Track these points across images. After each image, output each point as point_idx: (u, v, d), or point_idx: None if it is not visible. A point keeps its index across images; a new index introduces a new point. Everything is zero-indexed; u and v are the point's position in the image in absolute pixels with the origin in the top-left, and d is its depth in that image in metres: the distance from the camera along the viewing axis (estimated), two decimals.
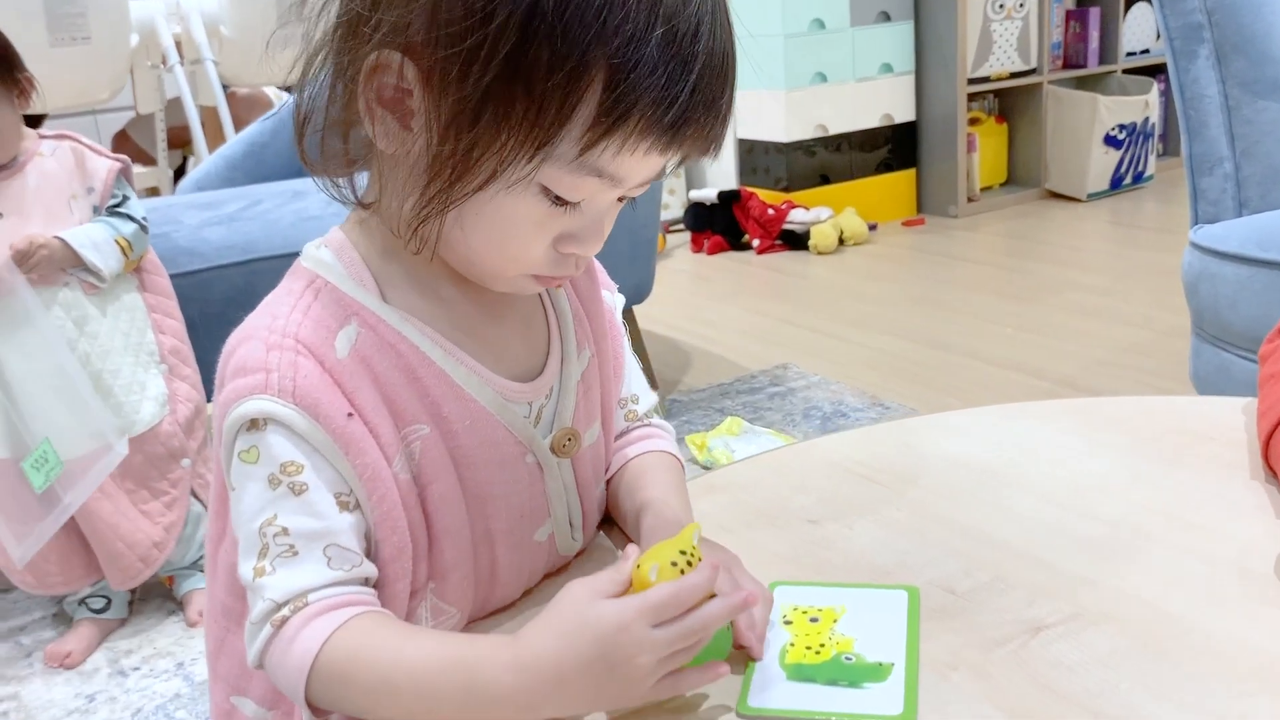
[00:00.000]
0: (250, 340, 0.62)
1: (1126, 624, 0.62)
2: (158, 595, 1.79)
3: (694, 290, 3.40)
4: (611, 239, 2.41)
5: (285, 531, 0.60)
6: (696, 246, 3.73)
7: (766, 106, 3.72)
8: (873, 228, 3.74)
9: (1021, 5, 3.83)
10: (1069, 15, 4.03)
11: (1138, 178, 3.98)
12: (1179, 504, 0.75)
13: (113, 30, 3.03)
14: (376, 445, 0.61)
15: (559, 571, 0.75)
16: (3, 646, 1.69)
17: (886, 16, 3.74)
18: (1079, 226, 3.68)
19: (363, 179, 0.67)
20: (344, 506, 0.61)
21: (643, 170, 0.60)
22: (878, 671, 0.60)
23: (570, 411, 0.70)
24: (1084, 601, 0.65)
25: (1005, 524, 0.74)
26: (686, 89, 0.57)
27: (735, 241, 3.70)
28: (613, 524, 0.79)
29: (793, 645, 0.63)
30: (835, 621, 0.65)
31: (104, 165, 1.63)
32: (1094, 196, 3.90)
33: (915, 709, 0.57)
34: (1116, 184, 3.95)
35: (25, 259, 1.49)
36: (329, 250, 0.65)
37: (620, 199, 0.63)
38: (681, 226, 3.84)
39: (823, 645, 0.63)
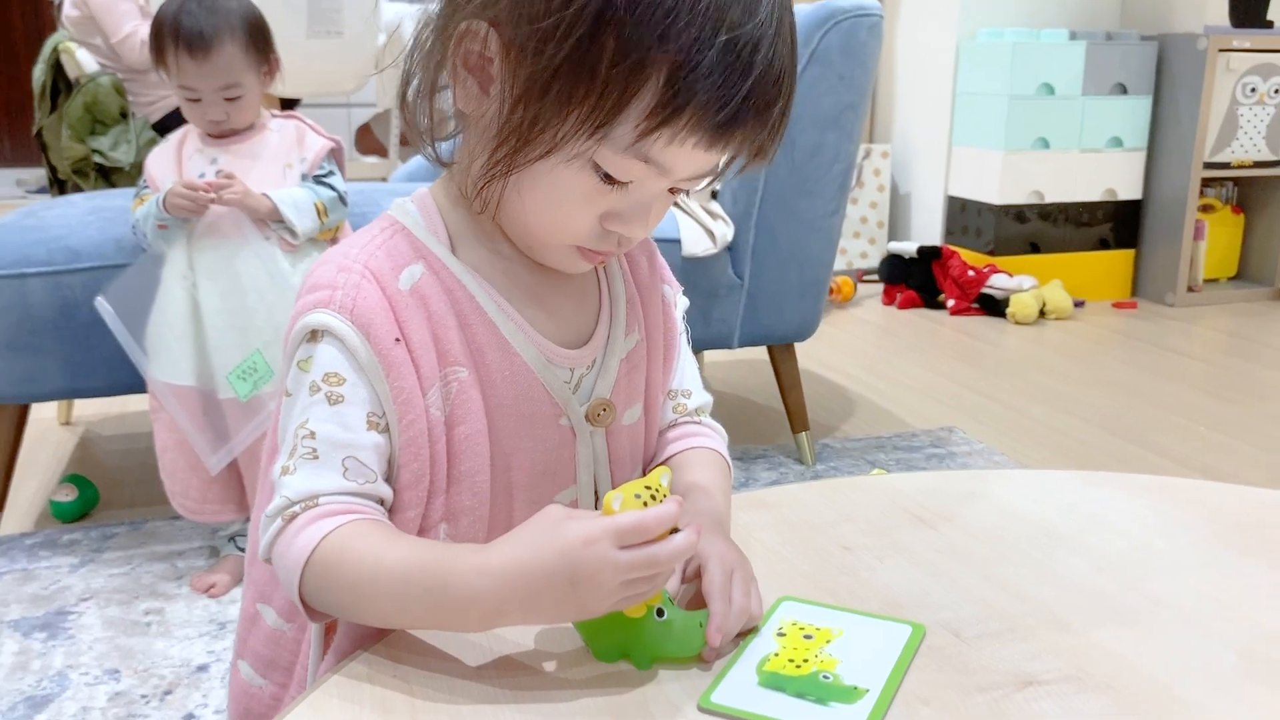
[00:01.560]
0: (325, 264, 0.68)
1: (1123, 695, 0.59)
2: None
3: (875, 341, 3.35)
4: (781, 273, 2.38)
5: (312, 435, 0.65)
6: (888, 299, 3.67)
7: (982, 166, 3.63)
8: (1079, 304, 3.58)
9: (1277, 92, 3.59)
10: None
11: None
12: (1236, 593, 0.70)
13: (364, 28, 3.28)
14: (415, 374, 0.66)
15: None
16: (161, 565, 1.85)
17: (1123, 89, 3.58)
18: None
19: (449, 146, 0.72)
20: (373, 427, 0.66)
21: (690, 165, 0.63)
22: (849, 694, 0.59)
23: (610, 385, 0.73)
24: (1089, 667, 0.62)
25: (1041, 582, 0.72)
26: (739, 95, 0.60)
27: (929, 299, 3.61)
28: None
29: (776, 655, 0.63)
30: (828, 642, 0.65)
31: (318, 142, 1.79)
32: None
33: None
34: None
35: (220, 187, 1.64)
36: (413, 204, 0.72)
37: (672, 190, 0.66)
38: (876, 277, 3.79)
39: (805, 660, 0.63)
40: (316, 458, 0.65)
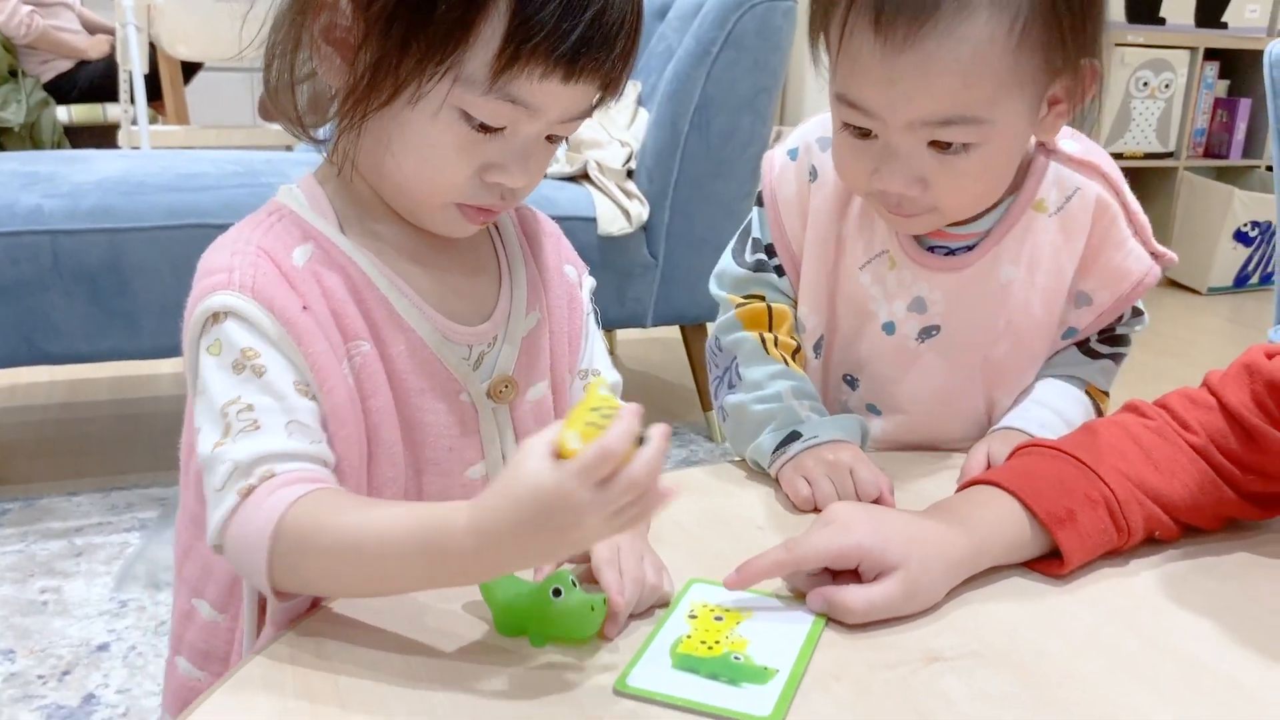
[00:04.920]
0: (217, 250, 0.67)
1: (1024, 670, 0.62)
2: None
3: None
4: (696, 254, 2.40)
5: (250, 408, 0.63)
6: None
7: None
8: None
9: (1167, 87, 3.73)
10: (1217, 103, 3.90)
11: (1266, 279, 3.82)
12: (1132, 573, 0.74)
13: None
14: (326, 342, 0.66)
15: None
16: (57, 543, 1.80)
17: None
18: (1193, 319, 3.56)
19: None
20: (302, 394, 0.65)
21: (556, 102, 0.65)
22: (761, 674, 0.61)
23: (512, 363, 0.74)
24: (992, 643, 0.65)
25: None
26: (583, 22, 0.62)
27: None
28: None
29: (689, 637, 0.65)
30: (739, 623, 0.66)
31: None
32: (1215, 291, 3.77)
33: (783, 715, 0.58)
34: (1241, 282, 3.80)
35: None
36: (297, 188, 0.71)
37: (551, 139, 0.68)
38: None
39: (717, 642, 0.64)
40: (258, 428, 0.63)
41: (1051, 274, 0.89)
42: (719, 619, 0.67)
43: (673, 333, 2.36)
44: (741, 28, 2.04)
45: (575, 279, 0.81)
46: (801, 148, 0.92)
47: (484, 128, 0.65)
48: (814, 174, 0.91)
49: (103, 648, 1.52)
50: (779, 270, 0.94)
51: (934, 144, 0.75)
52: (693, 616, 0.67)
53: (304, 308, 0.65)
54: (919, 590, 0.67)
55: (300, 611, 0.66)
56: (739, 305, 0.94)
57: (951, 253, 0.88)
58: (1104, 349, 0.94)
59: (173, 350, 1.92)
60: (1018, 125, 0.77)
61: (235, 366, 0.64)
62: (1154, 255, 0.91)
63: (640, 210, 2.07)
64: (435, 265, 0.72)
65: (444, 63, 0.62)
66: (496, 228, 0.77)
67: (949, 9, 0.70)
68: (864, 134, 0.77)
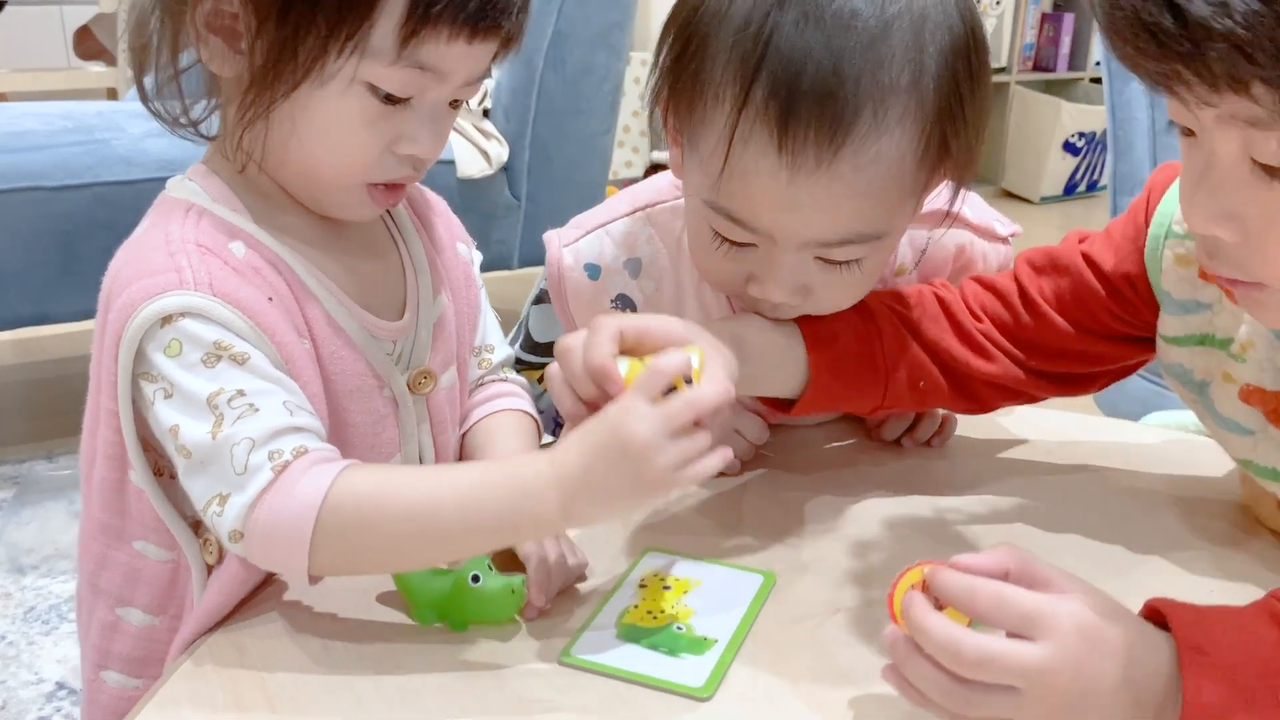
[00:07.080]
0: (146, 251, 0.63)
1: None
2: (64, 498, 1.81)
3: None
4: (558, 193, 2.38)
5: (241, 394, 0.60)
6: None
7: None
8: None
9: (998, 3, 3.86)
10: (1044, 18, 4.07)
11: (1091, 186, 4.05)
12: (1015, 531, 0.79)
13: None
14: (294, 333, 0.64)
15: None
16: None
17: None
18: (1029, 228, 3.67)
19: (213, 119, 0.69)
20: (288, 376, 0.63)
21: (463, 64, 0.64)
22: (699, 645, 0.64)
23: (426, 353, 0.74)
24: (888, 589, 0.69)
25: (855, 513, 0.79)
26: None
27: None
28: None
29: (635, 607, 0.67)
30: (686, 592, 0.68)
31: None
32: (1047, 200, 3.97)
33: (715, 686, 0.60)
34: (1070, 190, 4.01)
35: None
36: (194, 183, 0.67)
37: (454, 104, 0.67)
38: None
39: (663, 611, 0.66)
40: (257, 410, 0.59)
41: None
42: (667, 588, 0.69)
43: (539, 273, 2.36)
44: None
45: (468, 255, 0.81)
46: (604, 270, 0.85)
47: (390, 99, 0.63)
48: (628, 304, 0.85)
49: None
50: None
51: (822, 258, 0.71)
52: (643, 586, 0.69)
53: (270, 299, 0.63)
54: (718, 356, 0.66)
55: (230, 608, 0.65)
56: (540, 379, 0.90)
57: None
58: None
59: (11, 322, 1.81)
60: (905, 226, 0.75)
61: (207, 360, 0.60)
62: (1004, 239, 0.92)
63: (499, 150, 2.05)
64: (343, 257, 0.70)
65: (351, 38, 0.60)
66: (389, 212, 0.76)
67: (864, 126, 0.64)
68: (741, 244, 0.71)
